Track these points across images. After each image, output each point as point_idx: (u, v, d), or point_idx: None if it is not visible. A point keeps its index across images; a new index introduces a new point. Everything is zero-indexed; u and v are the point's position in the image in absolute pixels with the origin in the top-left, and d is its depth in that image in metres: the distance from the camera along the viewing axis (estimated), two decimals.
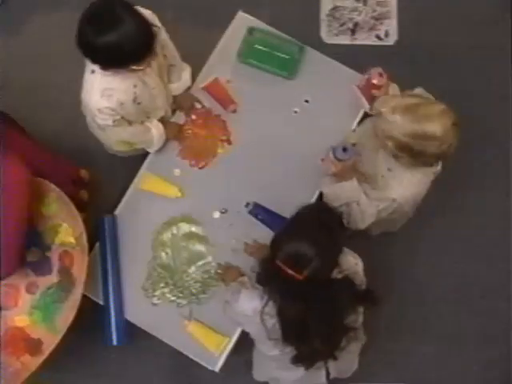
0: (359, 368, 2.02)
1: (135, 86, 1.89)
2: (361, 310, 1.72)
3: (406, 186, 1.79)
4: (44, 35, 2.97)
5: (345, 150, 1.84)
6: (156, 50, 1.80)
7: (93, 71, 1.83)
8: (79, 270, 2.01)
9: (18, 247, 1.87)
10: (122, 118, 1.96)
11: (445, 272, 2.68)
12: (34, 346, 1.98)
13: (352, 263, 1.73)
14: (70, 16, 2.97)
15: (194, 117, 2.29)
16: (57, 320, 1.99)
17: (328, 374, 1.83)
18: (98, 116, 1.90)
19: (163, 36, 1.99)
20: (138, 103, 1.95)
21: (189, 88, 2.27)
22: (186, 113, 2.29)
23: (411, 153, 1.66)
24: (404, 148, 1.66)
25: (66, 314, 1.98)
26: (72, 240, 2.04)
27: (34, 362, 1.96)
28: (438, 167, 1.80)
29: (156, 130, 2.14)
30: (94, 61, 1.76)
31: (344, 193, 1.83)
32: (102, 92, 1.83)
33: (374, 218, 1.88)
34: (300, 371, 1.75)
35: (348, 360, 1.85)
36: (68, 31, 2.93)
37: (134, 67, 1.79)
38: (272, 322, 1.62)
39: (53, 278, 2.03)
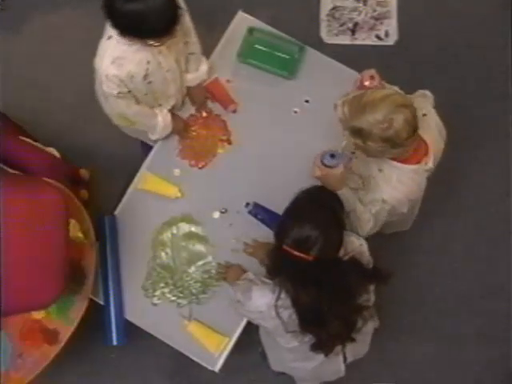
0: (359, 368, 2.02)
1: (148, 63, 1.87)
2: (371, 288, 1.72)
3: (395, 185, 1.79)
4: (44, 35, 2.97)
5: (333, 156, 1.81)
6: (176, 32, 1.78)
7: (109, 37, 1.81)
8: (89, 263, 2.09)
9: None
10: (130, 92, 1.93)
11: (445, 272, 2.68)
12: (52, 336, 2.06)
13: (356, 244, 1.74)
14: (70, 16, 3.01)
15: (204, 114, 2.29)
16: (70, 311, 2.07)
17: (345, 359, 1.83)
18: (105, 83, 1.87)
19: (187, 23, 1.99)
20: (149, 82, 1.93)
21: (203, 82, 2.24)
22: (197, 107, 2.28)
23: (362, 138, 1.68)
24: (355, 134, 1.69)
25: (79, 305, 2.07)
26: (80, 235, 2.10)
27: (52, 351, 2.06)
28: (430, 164, 1.80)
29: (162, 119, 2.12)
30: (115, 25, 1.73)
31: None
32: (114, 59, 1.82)
33: (371, 223, 1.88)
34: (318, 359, 1.76)
35: (364, 342, 1.86)
36: (68, 31, 2.97)
37: (151, 42, 1.78)
38: (287, 313, 1.63)
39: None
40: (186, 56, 2.09)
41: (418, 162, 1.78)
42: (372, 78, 2.02)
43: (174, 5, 1.71)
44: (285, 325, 1.65)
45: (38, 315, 2.07)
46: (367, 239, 1.85)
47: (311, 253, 1.53)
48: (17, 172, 2.08)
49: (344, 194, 1.83)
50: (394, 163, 1.78)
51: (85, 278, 2.08)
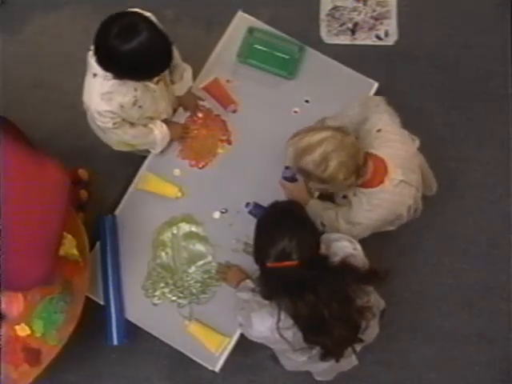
0: (359, 368, 2.02)
1: (136, 90, 1.88)
2: (370, 289, 1.73)
3: (366, 208, 1.84)
4: (44, 35, 2.97)
5: (287, 167, 2.07)
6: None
7: (94, 75, 1.82)
8: (80, 282, 2.05)
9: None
10: (123, 120, 1.95)
11: (445, 272, 2.68)
12: (33, 356, 1.99)
13: (349, 249, 1.75)
14: (70, 16, 3.01)
15: (200, 115, 2.29)
16: (57, 330, 2.01)
17: (354, 351, 1.82)
18: (98, 119, 1.90)
19: None
20: (139, 106, 1.95)
21: (191, 87, 2.25)
22: (191, 112, 2.29)
23: (306, 176, 1.79)
24: (301, 173, 1.81)
25: (67, 324, 2.01)
26: (75, 252, 2.06)
27: (32, 373, 1.98)
28: (398, 177, 1.81)
29: (159, 131, 2.13)
30: (109, 69, 1.74)
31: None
32: (102, 96, 1.83)
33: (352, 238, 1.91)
34: (329, 362, 1.76)
35: (370, 334, 1.86)
36: (68, 31, 2.97)
37: (145, 82, 1.83)
38: (291, 332, 1.63)
39: (55, 288, 2.03)
40: (169, 70, 2.09)
41: (381, 182, 1.81)
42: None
43: (169, 44, 1.73)
44: (291, 344, 1.66)
45: (22, 332, 2.00)
46: (365, 240, 1.85)
47: (293, 258, 1.55)
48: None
49: (311, 205, 2.04)
50: (361, 189, 1.84)
51: (74, 298, 2.03)
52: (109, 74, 1.78)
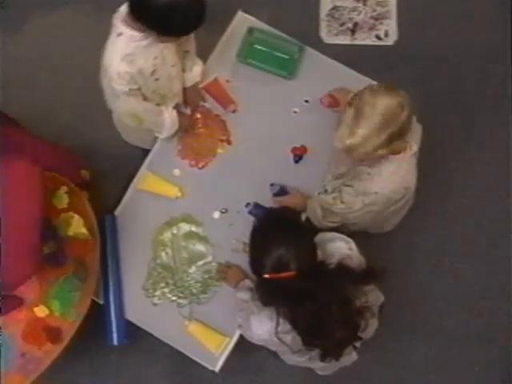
0: (359, 368, 2.02)
1: (155, 58, 1.88)
2: (368, 288, 1.71)
3: (386, 177, 1.81)
4: (44, 35, 2.97)
5: (272, 184, 2.11)
6: None
7: (119, 34, 1.80)
8: (92, 259, 2.09)
9: (33, 247, 1.85)
10: (139, 89, 1.94)
11: (445, 272, 2.68)
12: (55, 335, 2.05)
13: (345, 249, 1.73)
14: (70, 16, 3.02)
15: (198, 115, 2.29)
16: (74, 308, 2.06)
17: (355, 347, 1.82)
18: (116, 81, 1.86)
19: None
20: (156, 79, 1.94)
21: (198, 83, 2.25)
22: (192, 109, 2.29)
23: (398, 136, 1.68)
24: (391, 139, 1.68)
25: (82, 301, 2.06)
26: (84, 231, 2.09)
27: (55, 350, 2.04)
28: (414, 148, 1.82)
29: (169, 115, 2.12)
30: (141, 18, 1.72)
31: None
32: (125, 56, 1.81)
33: (360, 212, 1.91)
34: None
35: (370, 330, 1.84)
36: (68, 31, 2.98)
37: (172, 39, 1.82)
38: (290, 336, 1.63)
39: (68, 268, 2.08)
40: (183, 53, 2.09)
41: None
42: (331, 97, 2.15)
43: (204, 2, 1.72)
44: (290, 347, 1.65)
45: (41, 313, 2.05)
46: (364, 240, 1.85)
47: (291, 267, 1.52)
48: None
49: (310, 203, 2.02)
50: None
51: (87, 275, 2.07)
52: (135, 35, 1.77)
